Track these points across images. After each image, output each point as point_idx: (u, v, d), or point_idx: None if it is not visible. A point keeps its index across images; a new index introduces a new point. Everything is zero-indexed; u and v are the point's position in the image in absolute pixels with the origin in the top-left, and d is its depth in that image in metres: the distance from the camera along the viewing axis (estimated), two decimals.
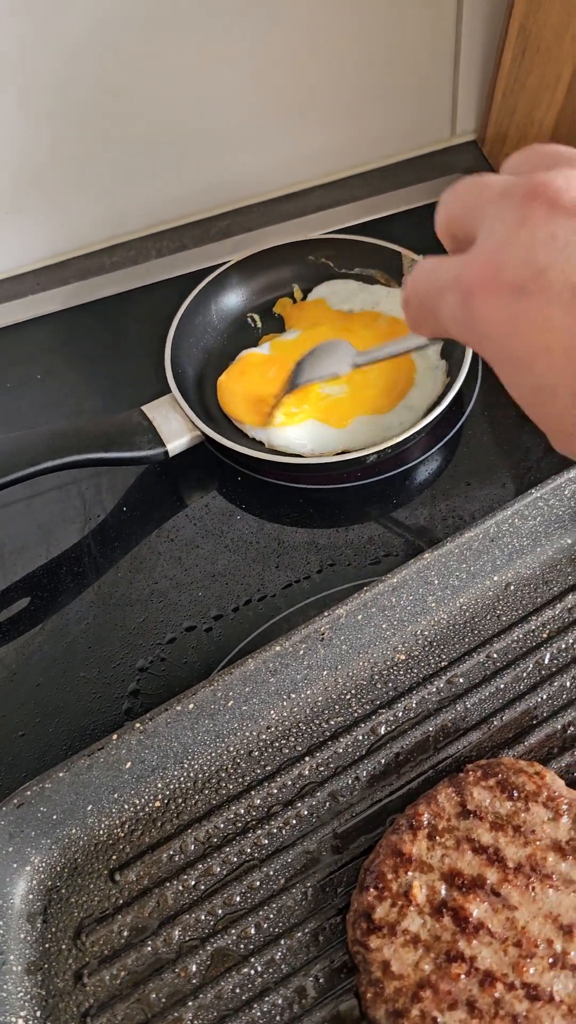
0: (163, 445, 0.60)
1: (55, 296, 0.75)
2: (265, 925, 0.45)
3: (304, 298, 0.71)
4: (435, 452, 0.63)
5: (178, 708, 0.46)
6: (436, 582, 0.52)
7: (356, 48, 0.71)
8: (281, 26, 0.68)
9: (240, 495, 0.63)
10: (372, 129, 0.78)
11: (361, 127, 0.78)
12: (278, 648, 0.48)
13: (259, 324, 0.70)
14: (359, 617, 0.50)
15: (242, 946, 0.44)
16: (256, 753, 0.50)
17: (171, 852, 0.47)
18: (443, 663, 0.52)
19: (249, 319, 0.71)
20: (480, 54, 0.74)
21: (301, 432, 0.62)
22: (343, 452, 0.60)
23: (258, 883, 0.46)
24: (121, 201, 0.76)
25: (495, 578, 0.54)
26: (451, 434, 0.63)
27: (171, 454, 0.60)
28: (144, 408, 0.62)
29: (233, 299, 0.70)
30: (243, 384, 0.64)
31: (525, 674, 0.51)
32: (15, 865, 0.45)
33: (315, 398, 0.63)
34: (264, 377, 0.64)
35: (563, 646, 0.52)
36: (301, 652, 0.49)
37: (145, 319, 0.72)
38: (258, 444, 0.63)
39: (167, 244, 0.77)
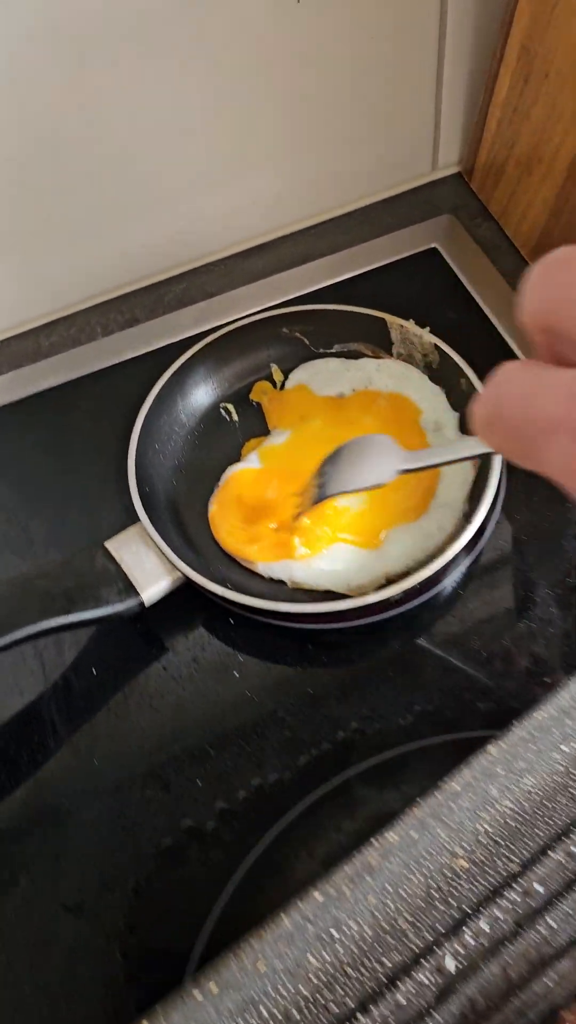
0: (137, 594, 0.48)
1: None
2: None
3: (285, 380, 0.60)
4: (461, 571, 0.53)
5: (199, 997, 0.36)
6: (501, 772, 0.42)
7: (322, 74, 0.60)
8: (235, 52, 0.56)
9: (235, 643, 0.51)
10: (343, 165, 0.67)
11: (331, 163, 0.66)
12: (318, 896, 0.37)
13: (235, 416, 0.59)
14: (413, 834, 0.40)
15: None
16: (296, 1014, 0.39)
17: None
18: (515, 867, 0.42)
19: (223, 411, 0.59)
20: (467, 76, 0.63)
21: (330, 562, 0.51)
22: (386, 578, 0.50)
23: None
24: (56, 266, 0.63)
25: (564, 748, 0.44)
26: (480, 545, 0.53)
27: (148, 604, 0.49)
28: (108, 545, 0.50)
29: (202, 391, 0.58)
30: (240, 512, 0.53)
31: None
32: None
33: (333, 515, 0.52)
34: (262, 498, 0.52)
35: None
36: (346, 890, 0.39)
37: (98, 416, 0.60)
38: (273, 583, 0.52)
39: (115, 317, 0.65)
